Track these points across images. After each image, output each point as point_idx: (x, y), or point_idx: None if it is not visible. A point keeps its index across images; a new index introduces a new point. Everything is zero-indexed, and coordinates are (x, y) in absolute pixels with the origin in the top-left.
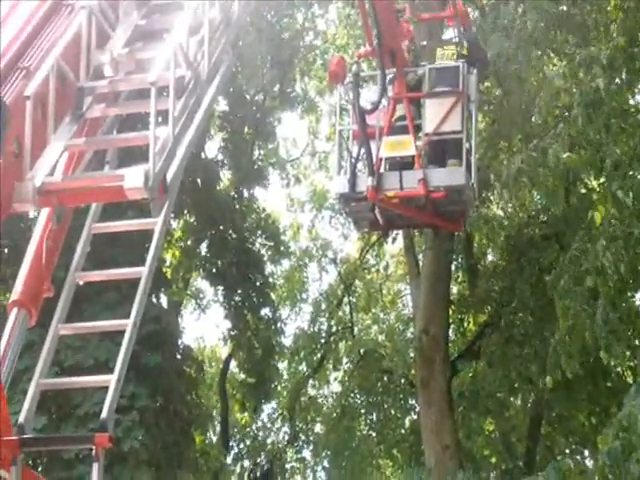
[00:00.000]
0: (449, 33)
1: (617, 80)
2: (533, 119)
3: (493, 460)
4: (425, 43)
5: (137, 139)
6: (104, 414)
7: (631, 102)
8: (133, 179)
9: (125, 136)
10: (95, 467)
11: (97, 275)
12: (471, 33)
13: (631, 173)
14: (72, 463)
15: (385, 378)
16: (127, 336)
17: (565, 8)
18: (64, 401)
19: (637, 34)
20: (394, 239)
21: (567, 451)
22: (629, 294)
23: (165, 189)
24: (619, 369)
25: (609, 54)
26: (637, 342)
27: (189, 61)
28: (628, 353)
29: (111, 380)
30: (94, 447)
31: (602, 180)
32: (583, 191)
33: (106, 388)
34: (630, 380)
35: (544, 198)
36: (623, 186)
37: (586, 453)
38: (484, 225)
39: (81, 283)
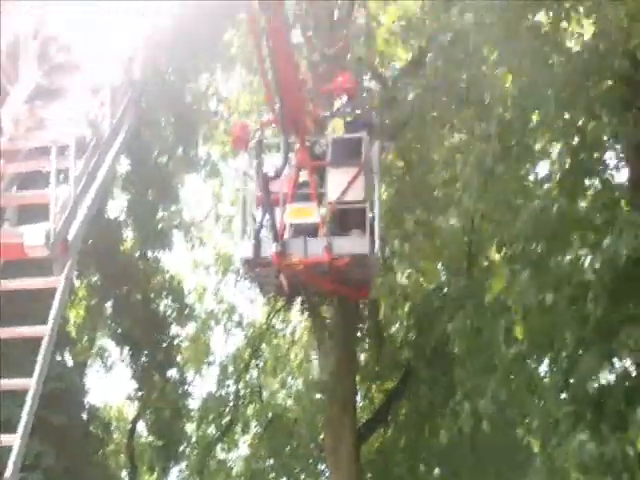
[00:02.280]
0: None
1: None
2: (435, 193)
3: None
4: (328, 114)
5: (37, 197)
6: (8, 473)
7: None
8: (34, 237)
9: (25, 194)
10: None
11: None
12: (361, 101)
13: (532, 247)
14: None
15: (294, 442)
16: (30, 395)
17: (464, 85)
18: None
19: (526, 112)
20: (302, 306)
21: None
22: (533, 365)
23: (66, 248)
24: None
25: (499, 129)
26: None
27: (90, 120)
28: (536, 424)
29: (14, 439)
30: None
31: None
32: (485, 264)
33: (10, 447)
34: (536, 450)
35: (445, 269)
36: (520, 260)
37: None
38: (389, 295)
39: None
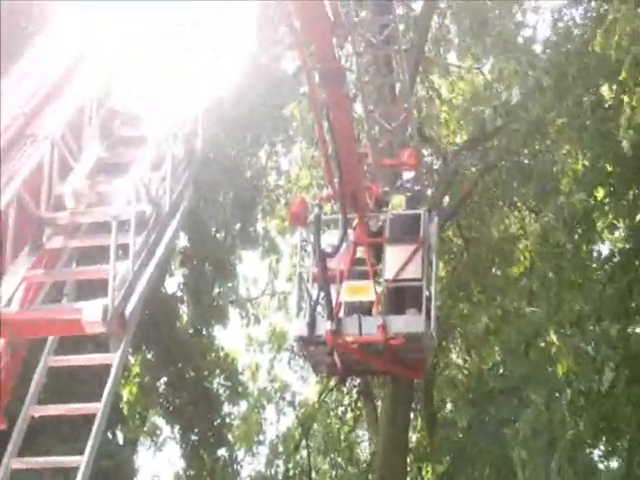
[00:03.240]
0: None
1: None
2: (493, 270)
3: None
4: (388, 189)
5: (96, 272)
6: None
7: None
8: (91, 313)
9: (84, 269)
10: None
11: (52, 409)
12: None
13: (591, 328)
14: None
15: None
16: (81, 472)
17: (527, 161)
18: None
19: (594, 190)
20: (354, 385)
21: None
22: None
23: (123, 324)
24: None
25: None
26: None
27: (151, 196)
28: None
29: None
30: None
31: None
32: (542, 345)
33: None
34: None
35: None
36: (584, 340)
37: None
38: (443, 375)
39: (36, 416)
